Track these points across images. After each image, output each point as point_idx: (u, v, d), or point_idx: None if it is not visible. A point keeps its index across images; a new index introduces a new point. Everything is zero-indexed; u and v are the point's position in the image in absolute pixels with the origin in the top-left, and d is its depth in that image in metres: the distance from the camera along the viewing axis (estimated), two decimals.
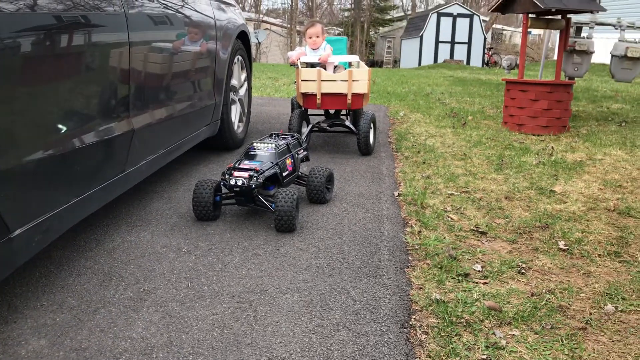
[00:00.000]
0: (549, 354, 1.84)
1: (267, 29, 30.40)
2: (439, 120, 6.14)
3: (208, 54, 3.66)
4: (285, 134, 3.28)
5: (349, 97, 4.13)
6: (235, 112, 4.47)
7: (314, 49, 4.46)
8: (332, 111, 4.65)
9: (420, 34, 24.73)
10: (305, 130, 4.37)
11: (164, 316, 1.99)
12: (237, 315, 2.01)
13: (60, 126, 2.02)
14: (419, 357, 1.80)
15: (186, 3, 3.29)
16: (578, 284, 2.35)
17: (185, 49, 3.26)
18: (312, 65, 4.49)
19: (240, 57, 4.53)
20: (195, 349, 1.80)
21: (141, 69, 2.63)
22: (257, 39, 17.99)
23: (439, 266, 2.45)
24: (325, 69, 4.40)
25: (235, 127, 4.46)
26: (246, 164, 2.85)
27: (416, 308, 2.11)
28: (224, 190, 2.94)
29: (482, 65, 24.04)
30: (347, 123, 4.38)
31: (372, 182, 3.66)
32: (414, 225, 2.91)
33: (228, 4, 4.31)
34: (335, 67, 4.39)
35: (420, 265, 2.47)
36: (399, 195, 3.40)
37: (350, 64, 4.60)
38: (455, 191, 3.50)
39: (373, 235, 2.77)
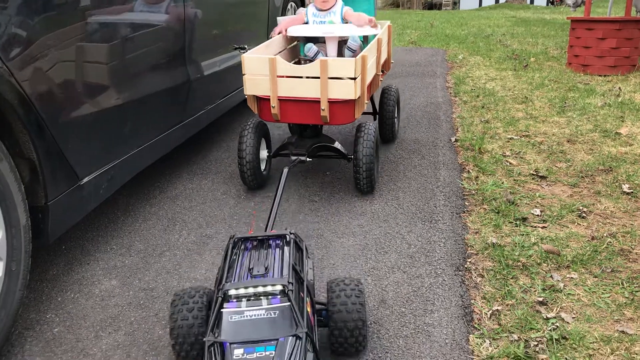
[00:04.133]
0: (608, 297, 1.82)
1: None
2: (499, 62, 5.94)
3: (261, 4, 3.65)
4: (265, 237, 1.61)
5: (324, 105, 2.34)
6: None
7: (322, 11, 2.73)
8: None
9: None
10: (264, 154, 2.72)
11: None
12: None
13: (120, 79, 2.09)
14: (474, 299, 1.82)
15: None
16: None
17: (237, 1, 3.26)
18: (310, 40, 2.76)
19: (293, 4, 4.49)
20: None
21: (195, 18, 2.66)
22: None
23: (496, 211, 2.42)
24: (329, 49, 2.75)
25: None
26: None
27: (472, 252, 2.11)
28: None
29: (547, 4, 22.84)
30: (337, 145, 2.68)
31: (428, 128, 3.61)
32: (471, 171, 2.88)
33: None
34: (343, 43, 2.74)
35: (476, 210, 2.46)
36: (456, 140, 3.35)
37: (365, 39, 2.86)
38: (515, 135, 3.42)
39: (429, 181, 2.76)
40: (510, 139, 3.36)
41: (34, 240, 1.70)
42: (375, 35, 2.77)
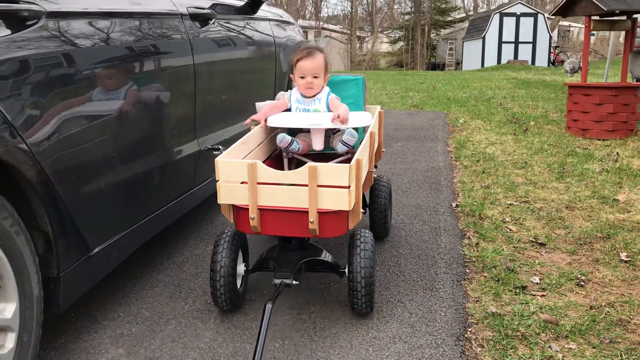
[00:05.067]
0: None
1: (327, 36, 30.70)
2: (499, 126, 6.09)
3: (268, 70, 3.81)
4: None
5: (312, 217, 1.97)
6: None
7: (307, 97, 2.47)
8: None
9: (482, 35, 24.31)
10: (241, 269, 2.30)
11: (229, 327, 2.12)
12: (298, 326, 2.11)
13: (133, 152, 2.19)
14: None
15: (246, 25, 3.45)
16: None
17: (246, 68, 3.41)
18: (292, 132, 2.55)
19: None
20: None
21: (206, 91, 2.79)
22: None
23: (496, 279, 2.47)
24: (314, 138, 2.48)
25: None
26: None
27: (472, 321, 2.14)
28: None
29: (548, 65, 23.38)
30: (327, 257, 2.27)
31: (429, 193, 3.69)
32: (471, 237, 2.94)
33: (288, 23, 4.45)
34: (331, 132, 2.53)
35: (477, 277, 2.50)
36: (457, 206, 3.42)
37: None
38: (514, 201, 3.49)
39: (430, 247, 2.82)
40: (510, 204, 3.43)
41: (44, 310, 1.75)
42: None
